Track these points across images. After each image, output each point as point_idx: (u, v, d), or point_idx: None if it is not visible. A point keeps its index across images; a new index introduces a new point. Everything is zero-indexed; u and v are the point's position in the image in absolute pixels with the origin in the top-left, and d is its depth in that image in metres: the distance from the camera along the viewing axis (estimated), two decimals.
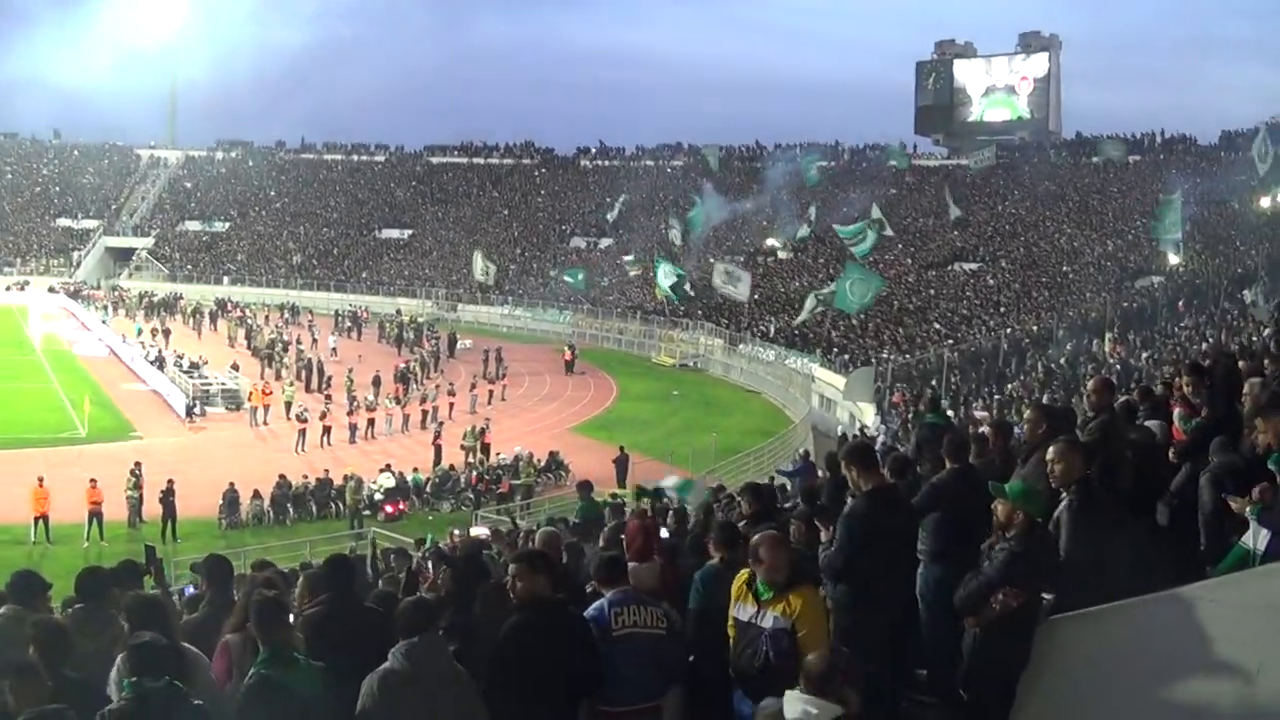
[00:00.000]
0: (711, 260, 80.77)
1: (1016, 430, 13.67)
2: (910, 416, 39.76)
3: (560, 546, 11.60)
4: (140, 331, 73.33)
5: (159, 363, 60.85)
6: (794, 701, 6.34)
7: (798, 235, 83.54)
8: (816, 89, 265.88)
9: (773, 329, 67.97)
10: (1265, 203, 64.58)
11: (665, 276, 73.32)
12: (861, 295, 57.84)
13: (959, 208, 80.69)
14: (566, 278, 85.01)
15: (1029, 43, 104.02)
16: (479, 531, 37.18)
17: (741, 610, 7.89)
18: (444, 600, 9.39)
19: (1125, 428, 10.57)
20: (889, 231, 77.43)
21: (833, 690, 6.30)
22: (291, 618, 8.18)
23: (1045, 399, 35.78)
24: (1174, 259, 60.06)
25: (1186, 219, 59.91)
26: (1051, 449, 8.71)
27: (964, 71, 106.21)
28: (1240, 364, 13.68)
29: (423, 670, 6.99)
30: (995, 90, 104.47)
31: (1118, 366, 40.44)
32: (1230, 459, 8.92)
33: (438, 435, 47.62)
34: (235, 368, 59.21)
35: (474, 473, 43.10)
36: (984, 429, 12.88)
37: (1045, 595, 8.37)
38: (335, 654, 7.49)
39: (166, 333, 68.97)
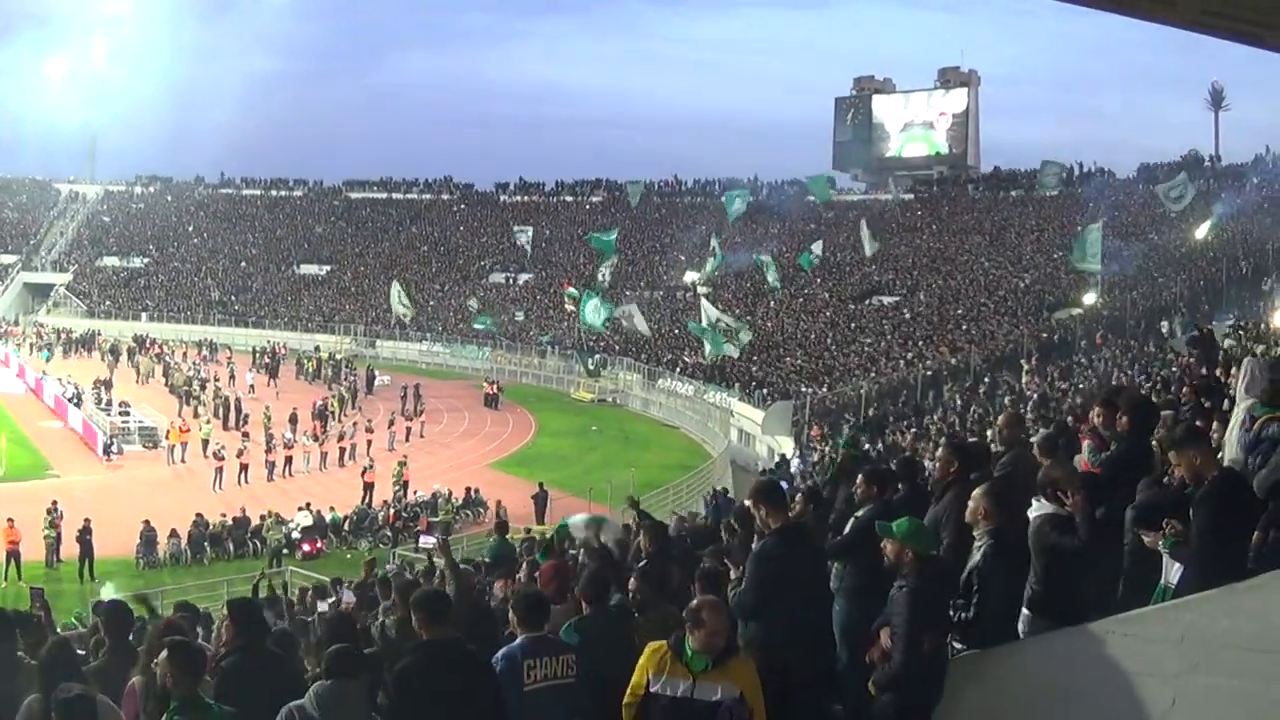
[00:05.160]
0: (627, 293, 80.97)
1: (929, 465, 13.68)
2: (829, 450, 39.77)
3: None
4: (49, 359, 74.64)
5: (76, 400, 60.00)
6: None
7: (707, 270, 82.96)
8: (735, 125, 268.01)
9: (691, 363, 68.02)
10: (1200, 234, 64.98)
11: (593, 312, 73.03)
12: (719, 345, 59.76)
13: (876, 242, 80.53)
14: (477, 325, 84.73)
15: (948, 79, 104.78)
16: (427, 541, 36.90)
17: (669, 685, 7.09)
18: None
19: (1037, 462, 10.59)
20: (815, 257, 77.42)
21: None
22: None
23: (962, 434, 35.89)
24: (1090, 298, 60.39)
25: (1105, 253, 60.67)
26: (977, 494, 8.68)
27: (883, 107, 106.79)
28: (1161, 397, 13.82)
29: (331, 715, 6.90)
30: (913, 126, 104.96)
31: (1034, 397, 40.70)
32: (1153, 494, 8.91)
33: (367, 471, 46.97)
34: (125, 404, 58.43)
35: (391, 510, 42.90)
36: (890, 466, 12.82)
37: (958, 644, 8.40)
38: (246, 700, 7.39)
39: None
